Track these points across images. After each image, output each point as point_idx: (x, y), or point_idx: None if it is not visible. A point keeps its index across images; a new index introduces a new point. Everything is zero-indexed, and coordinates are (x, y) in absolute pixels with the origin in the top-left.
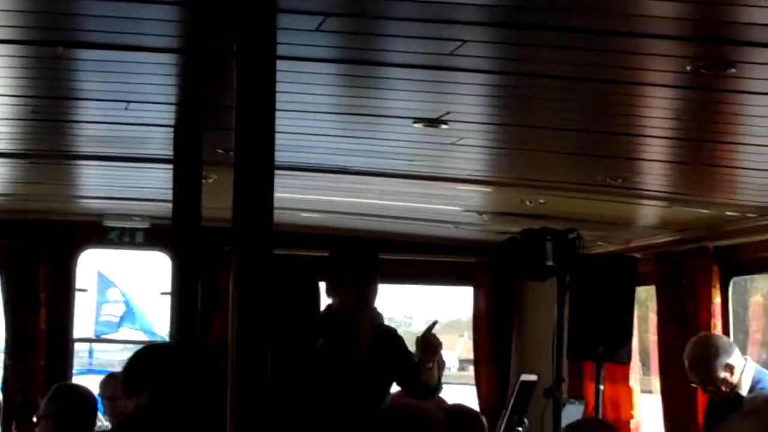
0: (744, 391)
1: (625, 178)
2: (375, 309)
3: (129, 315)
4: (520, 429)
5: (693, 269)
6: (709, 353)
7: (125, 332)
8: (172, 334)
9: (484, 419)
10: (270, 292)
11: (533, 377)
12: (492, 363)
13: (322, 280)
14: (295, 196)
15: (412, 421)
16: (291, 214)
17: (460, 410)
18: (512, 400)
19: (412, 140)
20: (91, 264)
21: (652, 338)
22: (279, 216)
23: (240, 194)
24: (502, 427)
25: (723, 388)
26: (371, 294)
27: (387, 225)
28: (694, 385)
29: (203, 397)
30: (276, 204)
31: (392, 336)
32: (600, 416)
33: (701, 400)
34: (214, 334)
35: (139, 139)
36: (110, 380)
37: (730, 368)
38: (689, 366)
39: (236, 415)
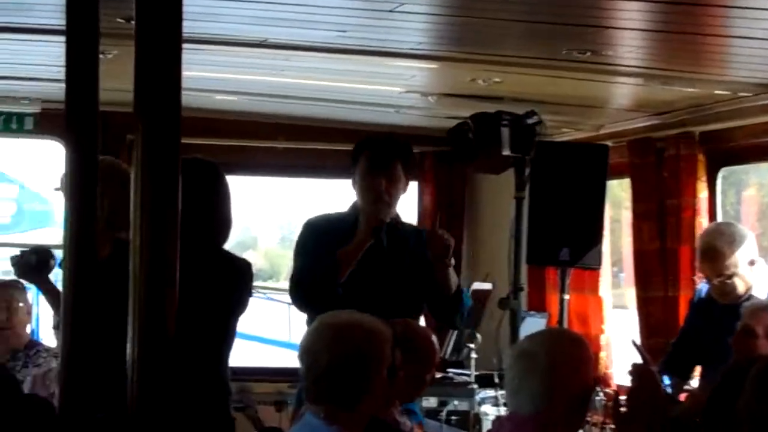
0: (761, 295)
1: (594, 50)
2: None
3: (21, 215)
4: (472, 346)
5: (675, 159)
6: (732, 239)
7: (17, 236)
8: (67, 235)
9: (433, 336)
10: (179, 187)
11: (487, 286)
12: None
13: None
14: (207, 75)
15: (351, 332)
16: (203, 97)
17: (406, 326)
18: None
19: (343, 6)
20: None
21: (627, 241)
22: (189, 99)
23: (142, 72)
24: (451, 344)
25: (738, 286)
26: (380, 186)
27: (316, 109)
28: (700, 279)
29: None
30: (185, 85)
31: (407, 234)
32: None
33: (683, 312)
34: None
35: (25, 5)
36: None
37: (752, 263)
38: (704, 252)
39: (141, 324)
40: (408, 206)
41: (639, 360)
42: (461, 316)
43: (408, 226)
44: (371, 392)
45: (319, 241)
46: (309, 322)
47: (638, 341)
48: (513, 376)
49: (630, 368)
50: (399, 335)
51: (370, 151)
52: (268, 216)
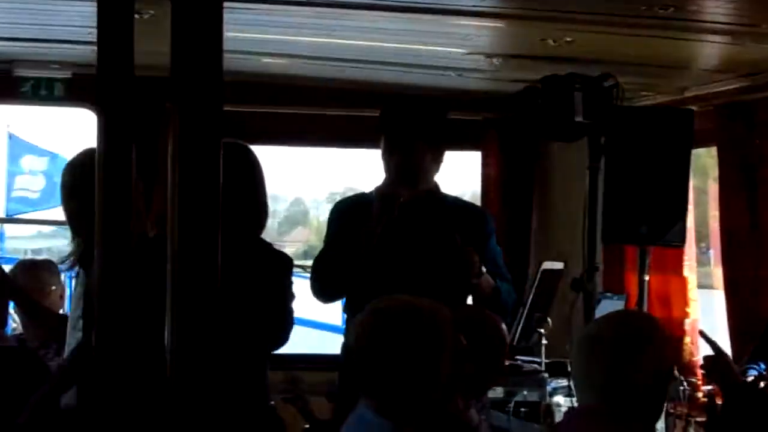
0: None
1: (677, 5)
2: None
3: (51, 189)
4: (542, 331)
5: (767, 124)
6: None
7: (46, 212)
8: (100, 211)
9: (502, 324)
10: (220, 160)
11: (558, 265)
12: (505, 248)
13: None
14: (250, 36)
15: (408, 316)
16: (248, 60)
17: (470, 310)
18: (531, 295)
19: None
20: (0, 124)
21: (714, 215)
22: (232, 62)
23: (180, 33)
24: (520, 328)
25: None
26: (406, 164)
27: (371, 73)
28: None
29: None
30: (227, 47)
31: (451, 207)
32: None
33: None
34: (154, 213)
35: None
36: (23, 270)
37: None
38: None
39: (177, 312)
40: (470, 178)
41: (711, 352)
42: (504, 312)
43: (452, 199)
44: (430, 382)
45: (342, 223)
46: (345, 308)
47: (708, 332)
48: (579, 363)
49: (702, 362)
50: (463, 322)
51: (387, 131)
52: (321, 188)
